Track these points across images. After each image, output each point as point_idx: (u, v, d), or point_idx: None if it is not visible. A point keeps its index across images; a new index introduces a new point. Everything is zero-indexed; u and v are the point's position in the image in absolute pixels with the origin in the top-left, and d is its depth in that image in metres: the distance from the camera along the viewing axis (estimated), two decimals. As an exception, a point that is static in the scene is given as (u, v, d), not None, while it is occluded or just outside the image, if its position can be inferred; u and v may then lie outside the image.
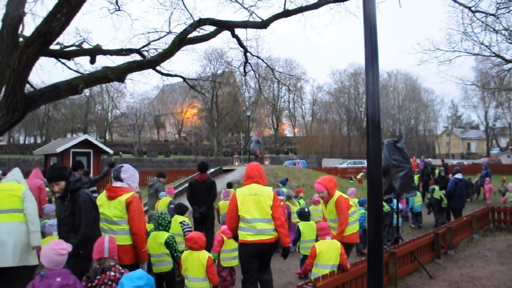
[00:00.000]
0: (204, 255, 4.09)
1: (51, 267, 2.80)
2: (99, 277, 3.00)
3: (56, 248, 2.82)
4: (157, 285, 4.70)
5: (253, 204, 4.34)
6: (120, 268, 3.12)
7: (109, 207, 3.93)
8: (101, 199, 4.02)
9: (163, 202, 7.56)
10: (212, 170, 14.85)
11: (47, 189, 10.71)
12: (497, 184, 15.89)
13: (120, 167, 4.13)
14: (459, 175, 10.02)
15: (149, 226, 5.15)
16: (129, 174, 4.07)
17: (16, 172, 4.56)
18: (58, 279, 2.76)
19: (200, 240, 4.13)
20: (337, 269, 4.46)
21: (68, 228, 3.73)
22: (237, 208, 4.39)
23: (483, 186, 15.54)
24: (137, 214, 3.92)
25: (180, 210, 5.74)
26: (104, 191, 4.06)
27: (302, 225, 6.14)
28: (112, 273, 3.02)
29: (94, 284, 2.98)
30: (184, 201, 8.02)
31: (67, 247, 2.90)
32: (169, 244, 4.55)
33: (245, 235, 4.32)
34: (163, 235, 4.60)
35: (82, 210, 3.70)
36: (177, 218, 5.60)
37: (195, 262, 4.06)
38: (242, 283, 4.45)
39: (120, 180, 4.01)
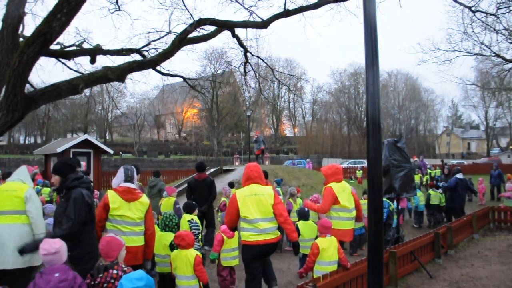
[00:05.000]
0: (192, 253, 4.08)
1: (48, 265, 2.86)
2: (101, 275, 3.01)
3: (43, 248, 2.87)
4: (160, 283, 4.73)
5: (253, 204, 4.33)
6: (123, 266, 3.12)
7: (130, 209, 3.89)
8: (116, 201, 3.89)
9: (168, 203, 7.50)
10: (212, 170, 14.85)
11: (48, 189, 10.69)
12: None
13: (131, 168, 4.11)
14: (460, 175, 10.03)
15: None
16: (135, 175, 4.13)
17: (21, 171, 4.42)
18: (56, 275, 2.80)
19: (187, 238, 4.12)
20: (336, 266, 4.50)
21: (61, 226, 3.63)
22: (237, 210, 4.37)
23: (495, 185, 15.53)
24: (152, 214, 4.14)
25: (188, 209, 5.75)
26: (116, 193, 3.93)
27: (301, 224, 6.16)
28: (115, 271, 3.03)
29: (97, 282, 2.99)
30: (184, 201, 8.00)
31: (58, 245, 2.90)
32: (173, 247, 4.55)
33: (249, 236, 4.30)
34: (169, 237, 4.59)
35: (71, 207, 3.56)
36: (186, 217, 5.62)
37: (183, 261, 4.07)
38: (246, 282, 4.44)
39: (133, 181, 4.02)
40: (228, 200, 8.42)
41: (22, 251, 3.60)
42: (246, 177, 4.57)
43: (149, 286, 2.82)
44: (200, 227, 5.78)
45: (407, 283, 5.72)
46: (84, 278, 3.01)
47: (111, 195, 3.94)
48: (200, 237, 5.73)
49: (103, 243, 3.14)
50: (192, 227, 5.45)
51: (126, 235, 3.80)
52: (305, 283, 3.99)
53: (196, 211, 5.88)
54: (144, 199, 4.03)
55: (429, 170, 19.75)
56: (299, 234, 6.13)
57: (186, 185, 13.13)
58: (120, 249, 3.17)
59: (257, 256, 4.34)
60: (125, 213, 3.87)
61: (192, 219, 5.61)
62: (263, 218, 4.32)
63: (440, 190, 10.76)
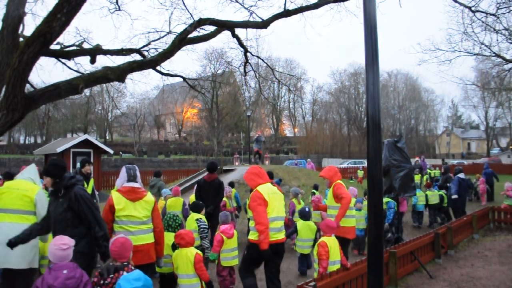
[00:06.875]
0: (192, 251, 4.11)
1: (57, 262, 2.90)
2: (112, 275, 3.01)
3: (57, 244, 2.93)
4: (161, 283, 4.73)
5: (277, 202, 4.46)
6: (133, 268, 3.12)
7: (135, 209, 3.90)
8: (121, 201, 3.88)
9: (176, 203, 7.47)
10: (212, 170, 14.82)
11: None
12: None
13: (134, 167, 4.10)
14: (461, 175, 10.03)
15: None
16: (138, 174, 4.14)
17: (32, 170, 4.38)
18: (65, 271, 2.86)
19: (187, 237, 4.14)
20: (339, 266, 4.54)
21: (63, 225, 3.59)
22: (267, 205, 4.34)
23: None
24: (158, 212, 4.18)
25: (196, 208, 5.79)
26: (120, 194, 3.92)
27: (300, 224, 6.18)
28: (125, 273, 3.02)
29: (106, 282, 2.99)
30: (185, 200, 8.01)
31: (68, 242, 2.98)
32: (175, 247, 4.55)
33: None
34: (171, 237, 4.57)
35: (85, 208, 3.57)
36: (194, 216, 5.65)
37: (183, 260, 4.09)
38: (240, 271, 4.47)
39: (136, 180, 4.03)
40: (228, 200, 8.46)
41: (11, 243, 3.58)
42: (258, 176, 4.54)
43: (147, 286, 2.82)
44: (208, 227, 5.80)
45: (407, 283, 5.72)
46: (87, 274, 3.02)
47: (115, 196, 3.93)
48: (210, 236, 5.74)
49: (117, 244, 3.14)
50: (201, 226, 5.50)
51: (135, 235, 3.81)
52: (305, 283, 3.99)
53: (204, 211, 5.90)
54: (149, 197, 4.04)
55: (429, 170, 19.76)
56: (297, 233, 6.16)
57: (186, 185, 13.19)
58: (132, 250, 3.24)
59: (265, 256, 4.33)
60: (131, 213, 3.88)
61: (200, 218, 5.63)
62: (281, 216, 4.48)
63: (443, 191, 10.76)
